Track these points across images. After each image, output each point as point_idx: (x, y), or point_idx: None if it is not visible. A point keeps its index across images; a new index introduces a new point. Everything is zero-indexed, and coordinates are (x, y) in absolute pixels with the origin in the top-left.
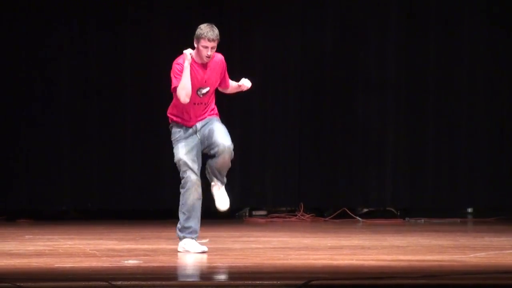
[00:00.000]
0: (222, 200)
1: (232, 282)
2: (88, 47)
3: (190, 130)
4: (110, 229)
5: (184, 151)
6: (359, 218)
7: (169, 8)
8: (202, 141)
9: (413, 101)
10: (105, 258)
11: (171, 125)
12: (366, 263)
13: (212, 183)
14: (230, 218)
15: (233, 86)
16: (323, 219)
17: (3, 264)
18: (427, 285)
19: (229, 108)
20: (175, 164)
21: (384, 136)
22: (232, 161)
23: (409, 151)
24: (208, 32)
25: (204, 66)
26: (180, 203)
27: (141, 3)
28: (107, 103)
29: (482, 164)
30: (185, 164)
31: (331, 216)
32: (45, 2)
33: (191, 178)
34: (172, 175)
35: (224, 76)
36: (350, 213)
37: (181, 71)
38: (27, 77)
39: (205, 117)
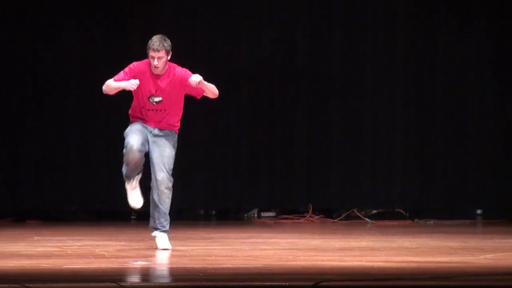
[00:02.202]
0: (163, 243)
1: (241, 284)
2: (96, 47)
3: (147, 126)
4: (119, 230)
5: (132, 129)
6: (368, 220)
7: (175, 6)
8: (151, 147)
9: (421, 102)
10: (114, 259)
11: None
12: (375, 264)
13: (153, 234)
14: (239, 220)
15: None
16: (331, 220)
17: (12, 265)
18: (436, 286)
19: (236, 110)
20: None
21: (392, 138)
22: (241, 162)
23: (418, 152)
24: (154, 43)
25: (158, 77)
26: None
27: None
28: (115, 104)
29: (491, 165)
30: (129, 134)
31: (340, 218)
32: (52, 1)
33: (130, 143)
34: (179, 176)
35: (193, 91)
36: (359, 214)
37: (128, 73)
38: (35, 78)
39: (164, 127)
